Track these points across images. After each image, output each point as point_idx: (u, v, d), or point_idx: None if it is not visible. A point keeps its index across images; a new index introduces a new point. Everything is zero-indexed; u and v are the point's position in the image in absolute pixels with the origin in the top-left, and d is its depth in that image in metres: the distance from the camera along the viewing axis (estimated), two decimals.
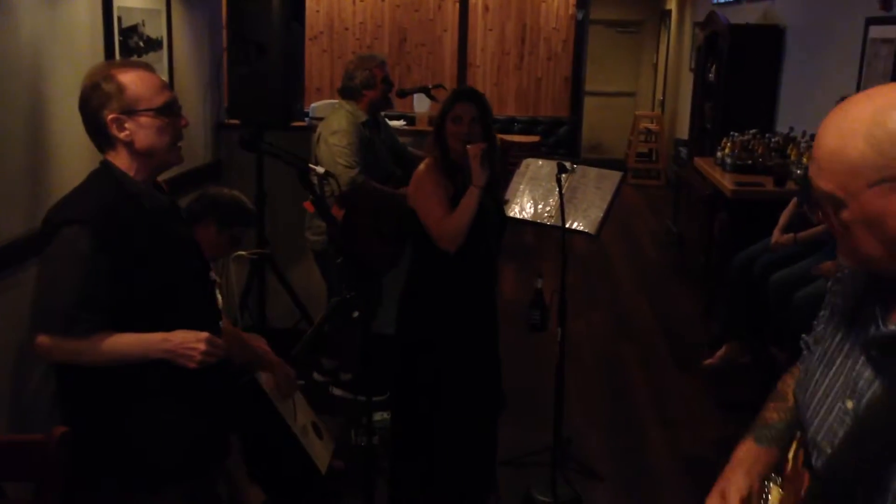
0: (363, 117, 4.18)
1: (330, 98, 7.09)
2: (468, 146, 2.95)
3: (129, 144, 2.04)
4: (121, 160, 2.06)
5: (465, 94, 3.07)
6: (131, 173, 2.07)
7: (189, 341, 2.02)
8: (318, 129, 4.24)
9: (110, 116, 2.01)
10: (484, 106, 3.05)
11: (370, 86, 4.20)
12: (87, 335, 1.97)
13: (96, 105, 2.02)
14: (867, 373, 1.27)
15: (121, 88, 2.01)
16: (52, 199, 3.08)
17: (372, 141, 4.20)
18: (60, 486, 2.10)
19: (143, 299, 2.04)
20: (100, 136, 2.06)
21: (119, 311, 2.01)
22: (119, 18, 3.53)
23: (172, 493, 2.18)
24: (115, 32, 3.51)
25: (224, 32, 4.50)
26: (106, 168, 2.07)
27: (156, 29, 3.90)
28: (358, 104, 4.20)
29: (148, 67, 2.11)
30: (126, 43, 3.61)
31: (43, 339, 1.99)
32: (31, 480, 2.14)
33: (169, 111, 2.06)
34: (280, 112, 4.11)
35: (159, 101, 2.04)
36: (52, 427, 2.13)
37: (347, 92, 4.23)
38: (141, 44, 3.76)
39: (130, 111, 2.01)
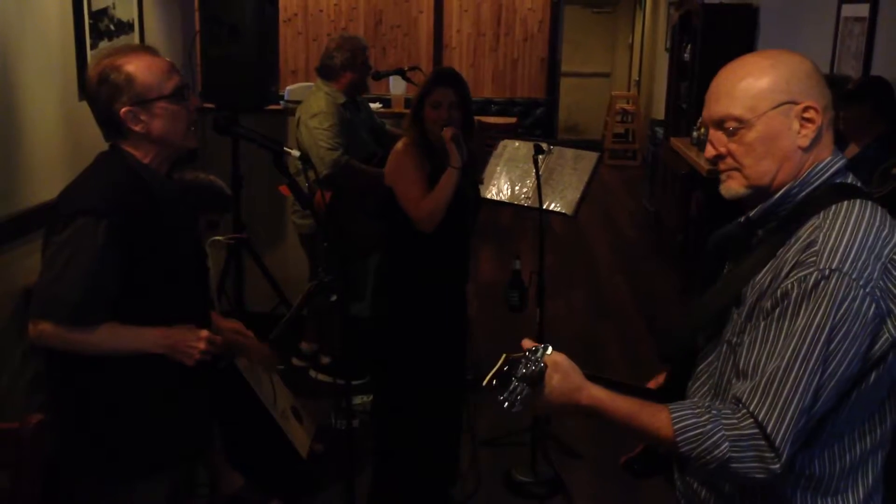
0: (341, 98, 4.16)
1: (305, 81, 7.03)
2: (443, 129, 2.95)
3: (145, 135, 2.00)
4: (135, 148, 2.02)
5: (444, 79, 3.03)
6: (146, 161, 2.03)
7: (189, 339, 2.04)
8: (298, 113, 4.21)
9: (124, 110, 1.96)
10: (463, 90, 3.03)
11: (349, 67, 4.17)
12: (92, 327, 1.97)
13: (106, 99, 1.97)
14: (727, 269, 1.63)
15: (130, 79, 1.96)
16: (24, 185, 3.05)
17: (352, 122, 4.18)
18: (37, 474, 2.09)
19: (145, 286, 2.03)
20: (112, 128, 2.01)
21: (120, 297, 2.00)
22: (89, 1, 3.48)
23: (156, 481, 2.17)
24: (85, 15, 3.46)
25: (196, 14, 4.44)
26: (118, 153, 2.03)
27: (126, 11, 3.85)
28: (336, 85, 4.18)
29: (152, 51, 2.05)
30: (96, 26, 3.56)
31: (45, 327, 1.97)
32: (5, 469, 2.12)
33: (180, 95, 2.02)
34: (255, 95, 4.07)
35: (170, 86, 2.00)
36: (27, 415, 2.11)
37: (325, 71, 4.21)
38: (111, 27, 3.70)
39: (143, 101, 1.97)
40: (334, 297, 2.60)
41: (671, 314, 5.52)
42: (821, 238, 1.39)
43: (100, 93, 1.98)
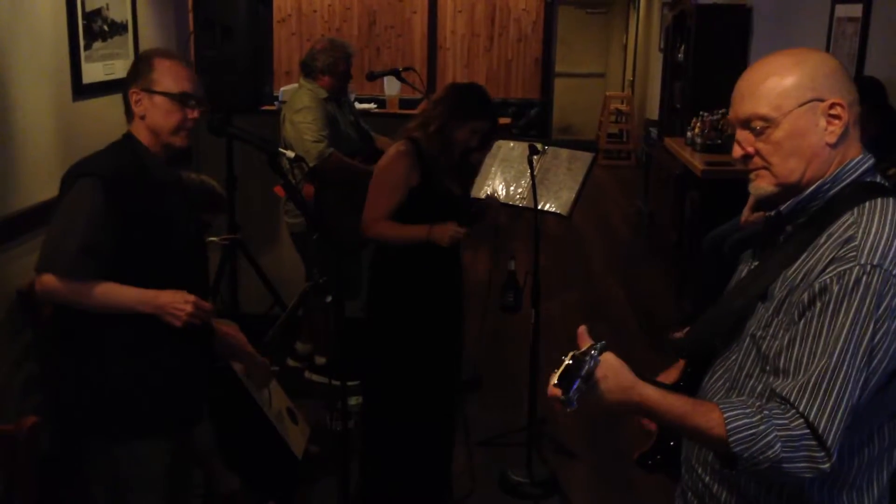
0: (324, 94, 4.19)
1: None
2: (457, 229, 2.91)
3: (142, 118, 2.30)
4: (140, 133, 2.31)
5: (494, 115, 3.03)
6: (150, 146, 2.31)
7: (177, 301, 2.21)
8: (283, 111, 4.25)
9: (133, 90, 2.29)
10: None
11: (328, 72, 4.21)
12: (87, 280, 2.17)
13: (128, 80, 2.32)
14: (749, 266, 1.63)
15: (150, 69, 2.29)
16: (17, 187, 3.03)
17: (335, 117, 4.21)
18: (31, 476, 2.09)
19: (137, 262, 2.22)
20: (126, 107, 2.33)
21: (114, 268, 2.19)
22: (82, 2, 3.47)
23: (155, 446, 2.32)
24: (79, 16, 3.44)
25: (190, 15, 4.43)
26: (126, 139, 2.33)
27: (120, 12, 3.84)
28: (318, 83, 4.21)
29: (185, 62, 2.38)
30: (90, 27, 3.55)
31: (48, 279, 2.18)
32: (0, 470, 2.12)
33: (182, 100, 2.28)
34: (249, 96, 4.06)
35: (177, 88, 2.28)
36: (22, 416, 2.11)
37: (306, 69, 4.26)
38: (105, 28, 3.69)
39: (149, 90, 2.27)
40: (329, 298, 2.60)
41: (666, 314, 5.53)
42: (860, 234, 1.40)
43: (128, 75, 2.35)
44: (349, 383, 3.40)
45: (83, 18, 3.48)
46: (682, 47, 7.17)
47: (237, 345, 2.95)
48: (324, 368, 4.45)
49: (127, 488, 2.33)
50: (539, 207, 3.39)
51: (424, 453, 3.21)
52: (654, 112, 9.05)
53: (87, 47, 3.53)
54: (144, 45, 4.11)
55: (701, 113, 6.08)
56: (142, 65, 2.31)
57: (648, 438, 1.78)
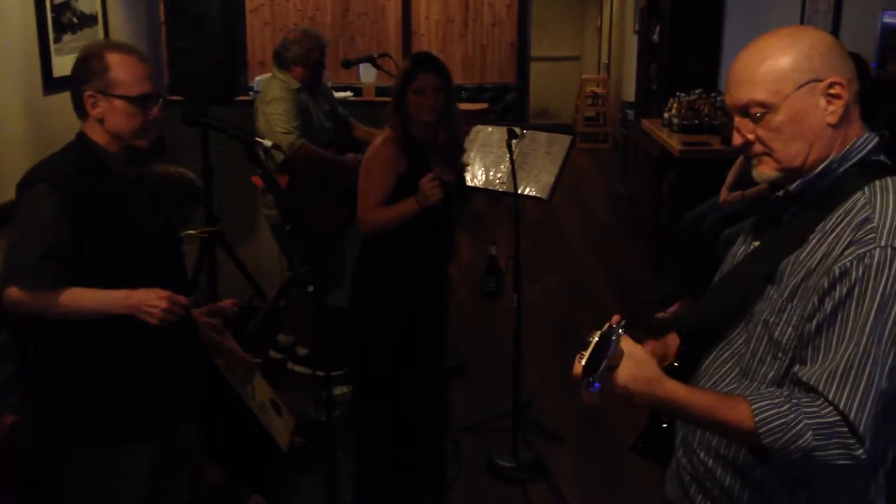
0: (296, 85, 4.16)
1: None
2: (429, 177, 2.86)
3: (99, 121, 2.16)
4: (95, 133, 2.18)
5: (426, 63, 2.95)
6: (107, 146, 2.20)
7: (151, 299, 2.14)
8: (255, 102, 4.22)
9: (88, 92, 2.14)
10: (445, 73, 2.97)
11: (300, 63, 4.17)
12: (52, 288, 2.09)
13: (80, 78, 2.16)
14: (747, 245, 1.60)
15: (105, 69, 2.13)
16: None
17: (308, 108, 4.18)
18: (11, 473, 2.06)
19: (104, 264, 2.15)
20: (77, 106, 2.19)
21: (79, 271, 2.12)
22: None
23: (140, 448, 2.28)
24: (48, 9, 3.39)
25: (160, 5, 4.38)
26: (81, 139, 2.20)
27: (90, 4, 3.78)
28: (290, 74, 4.18)
29: (140, 56, 2.22)
30: (59, 20, 3.50)
31: (13, 292, 2.11)
32: None
33: (143, 101, 2.16)
34: (223, 86, 4.02)
35: (137, 90, 2.15)
36: (1, 416, 2.08)
37: (279, 60, 4.22)
38: (75, 20, 3.64)
39: (107, 92, 2.14)
40: (311, 288, 2.59)
41: (646, 295, 5.55)
42: (877, 215, 1.37)
43: (77, 72, 2.17)
44: (333, 373, 3.38)
45: (52, 11, 3.43)
46: (657, 28, 7.17)
47: (220, 342, 2.93)
48: (307, 359, 4.43)
49: (105, 492, 2.27)
50: (519, 192, 3.38)
51: (414, 442, 3.20)
52: (630, 94, 9.05)
53: (57, 40, 3.48)
54: (115, 37, 4.06)
55: (677, 93, 6.09)
56: (94, 62, 2.14)
57: (635, 423, 1.76)
